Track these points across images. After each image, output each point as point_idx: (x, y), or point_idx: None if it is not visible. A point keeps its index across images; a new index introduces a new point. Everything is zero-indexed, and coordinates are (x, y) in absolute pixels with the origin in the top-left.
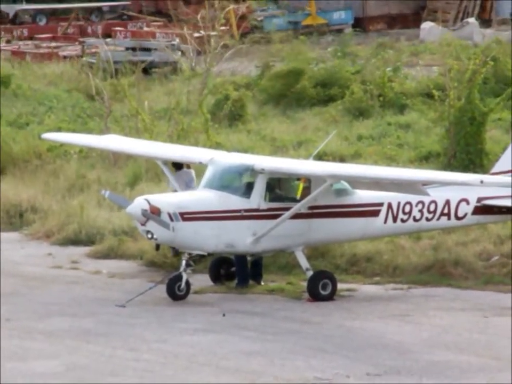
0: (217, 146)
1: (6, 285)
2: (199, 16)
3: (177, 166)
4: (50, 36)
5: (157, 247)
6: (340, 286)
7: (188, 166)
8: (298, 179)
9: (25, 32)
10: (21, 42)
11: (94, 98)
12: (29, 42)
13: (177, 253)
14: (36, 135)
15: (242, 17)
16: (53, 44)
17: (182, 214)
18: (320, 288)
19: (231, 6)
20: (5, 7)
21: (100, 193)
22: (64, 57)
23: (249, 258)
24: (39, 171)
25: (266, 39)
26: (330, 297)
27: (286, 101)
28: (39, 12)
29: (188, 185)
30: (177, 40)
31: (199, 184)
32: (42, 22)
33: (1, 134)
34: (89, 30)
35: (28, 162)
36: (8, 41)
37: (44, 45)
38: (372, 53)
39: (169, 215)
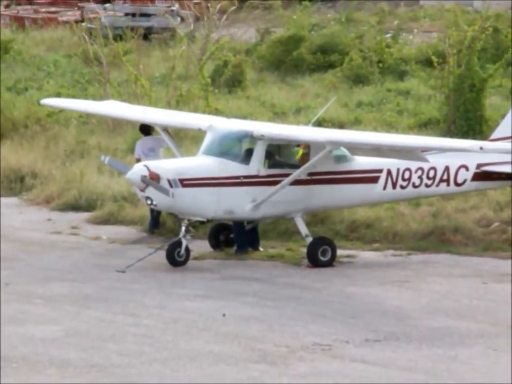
0: (217, 112)
1: (5, 250)
2: None
3: (145, 131)
4: (49, 1)
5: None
6: (339, 252)
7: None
8: (298, 145)
9: None
10: (19, 7)
11: (96, 63)
12: (28, 7)
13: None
14: (35, 100)
15: None
16: (52, 9)
17: (181, 180)
18: (320, 254)
19: None
20: None
21: (99, 159)
22: (64, 22)
23: (246, 225)
24: (38, 136)
25: (265, 5)
26: (329, 264)
27: (285, 67)
28: None
29: (145, 153)
30: (177, 5)
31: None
32: None
33: (1, 99)
34: None
35: (27, 128)
36: (7, 6)
37: (43, 9)
38: (373, 18)
39: (169, 181)
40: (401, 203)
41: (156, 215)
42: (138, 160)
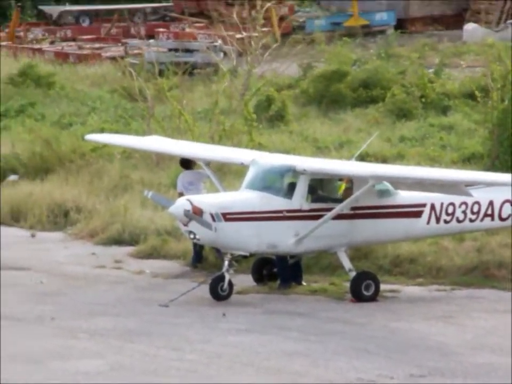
0: (260, 147)
1: (50, 285)
2: (237, 16)
3: (185, 165)
4: (93, 37)
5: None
6: (383, 287)
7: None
8: (341, 180)
9: (69, 33)
10: (64, 43)
11: (137, 99)
12: (72, 43)
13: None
14: (79, 135)
15: (284, 18)
16: (96, 45)
17: (224, 215)
18: (363, 289)
19: (271, 4)
20: (49, 9)
21: (143, 193)
22: (107, 58)
23: (289, 259)
24: (83, 171)
25: (308, 40)
26: (373, 298)
27: (327, 102)
28: (82, 13)
29: (185, 187)
30: (219, 41)
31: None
32: (86, 23)
33: (45, 135)
34: (132, 31)
35: (72, 163)
36: (52, 42)
37: (87, 46)
38: (414, 54)
39: (212, 215)
40: (445, 238)
41: (198, 250)
42: (180, 194)
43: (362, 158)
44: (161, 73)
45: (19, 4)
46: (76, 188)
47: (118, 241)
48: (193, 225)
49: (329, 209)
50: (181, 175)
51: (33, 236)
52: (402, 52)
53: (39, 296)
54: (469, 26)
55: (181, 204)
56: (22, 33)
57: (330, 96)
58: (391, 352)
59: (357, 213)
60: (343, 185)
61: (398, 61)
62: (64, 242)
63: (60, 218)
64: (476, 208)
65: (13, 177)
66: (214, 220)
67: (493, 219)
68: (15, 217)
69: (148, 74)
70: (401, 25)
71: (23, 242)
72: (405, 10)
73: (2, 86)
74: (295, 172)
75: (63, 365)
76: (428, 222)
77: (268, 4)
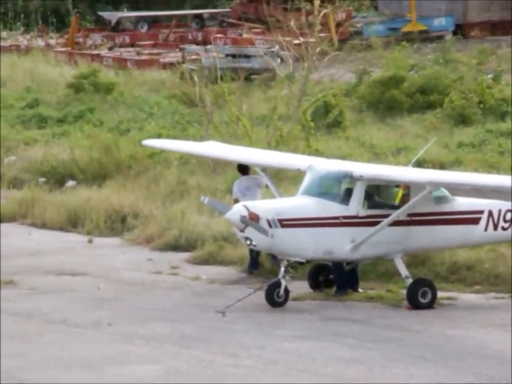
0: (316, 153)
1: (107, 290)
2: (295, 22)
3: (242, 170)
4: (151, 43)
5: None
6: (439, 294)
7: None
8: (398, 186)
9: (127, 39)
10: (122, 49)
11: (195, 104)
12: (131, 49)
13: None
14: (137, 141)
15: (341, 24)
16: (154, 51)
17: (280, 221)
18: (420, 296)
19: (329, 10)
20: (108, 15)
21: (199, 199)
22: (165, 64)
23: (345, 266)
24: (140, 177)
25: (365, 46)
26: (430, 305)
27: (384, 108)
28: (140, 19)
29: (242, 192)
30: (277, 47)
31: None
32: (144, 29)
33: (104, 140)
34: (189, 36)
35: (129, 168)
36: (110, 48)
37: (145, 51)
38: (472, 60)
39: (268, 221)
40: (502, 244)
41: (255, 256)
42: (236, 200)
43: (420, 164)
44: (218, 79)
45: (78, 10)
46: (133, 193)
47: (174, 247)
48: (250, 231)
49: (386, 216)
50: (237, 181)
51: (90, 241)
52: (461, 57)
53: (96, 302)
54: None
55: (237, 210)
56: (81, 39)
57: (387, 101)
58: (448, 359)
59: (414, 220)
60: (400, 192)
61: (456, 67)
62: (121, 248)
63: (117, 224)
64: None
65: (71, 183)
66: (270, 226)
67: None
68: (73, 223)
69: (205, 79)
70: (459, 30)
71: (80, 248)
72: (463, 15)
73: (62, 92)
74: (351, 178)
75: (120, 370)
76: (486, 229)
77: (325, 10)
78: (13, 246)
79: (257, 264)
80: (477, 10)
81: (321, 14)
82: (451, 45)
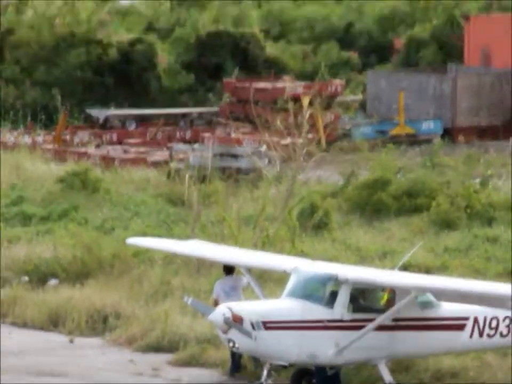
0: (302, 254)
1: None
2: (282, 122)
3: (228, 270)
4: (139, 141)
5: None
6: None
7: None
8: (383, 290)
9: (115, 136)
10: (110, 147)
11: (182, 203)
12: (118, 147)
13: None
14: (122, 239)
15: (330, 125)
16: (142, 149)
17: (264, 323)
18: None
19: (317, 111)
20: (96, 112)
21: (182, 299)
22: (152, 162)
23: (328, 370)
24: (123, 276)
25: (353, 148)
26: None
27: (371, 210)
28: (128, 117)
29: (231, 291)
30: (264, 146)
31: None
32: (132, 127)
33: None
34: (177, 135)
35: (112, 267)
36: (97, 146)
37: (133, 149)
38: (460, 164)
39: (252, 323)
40: (488, 352)
41: (237, 358)
42: (216, 300)
43: (405, 268)
44: (205, 178)
45: (66, 107)
46: (116, 293)
47: (156, 348)
48: (233, 333)
49: (370, 320)
50: (220, 280)
51: (71, 341)
52: (448, 161)
53: None
54: None
55: (221, 311)
56: (68, 136)
57: (374, 204)
58: None
59: (399, 325)
60: (386, 296)
61: (443, 171)
62: (102, 349)
63: (99, 324)
64: None
65: (53, 282)
66: (254, 328)
67: None
68: (54, 322)
69: (193, 178)
70: (448, 134)
71: (61, 348)
72: (452, 119)
73: (48, 189)
74: (337, 281)
75: None
76: (471, 336)
77: (317, 112)
78: None
79: (239, 366)
80: (465, 115)
81: (308, 114)
82: (438, 148)
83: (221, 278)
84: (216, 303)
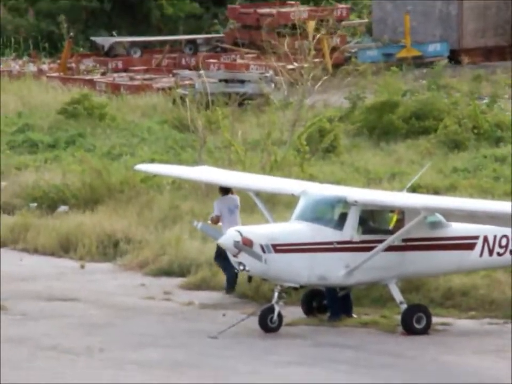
0: (310, 178)
1: (99, 316)
2: (289, 47)
3: (224, 190)
4: (144, 68)
5: (249, 279)
6: (434, 320)
7: (232, 192)
8: (392, 211)
9: (120, 64)
10: (115, 75)
11: (188, 129)
12: (124, 74)
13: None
14: (129, 166)
15: (336, 49)
16: (147, 76)
17: (274, 246)
18: (415, 321)
19: (323, 35)
20: (101, 40)
21: (192, 224)
22: (158, 89)
23: (339, 291)
24: (132, 202)
25: (360, 71)
26: (424, 331)
27: (379, 133)
28: (133, 44)
29: (231, 210)
30: (271, 72)
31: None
32: (137, 54)
33: (96, 165)
34: (183, 62)
35: (122, 193)
36: (103, 73)
37: (138, 77)
38: (467, 85)
39: (262, 246)
40: (498, 270)
41: (232, 276)
42: (217, 217)
43: (414, 189)
44: (211, 104)
45: (71, 35)
46: (126, 218)
47: (167, 272)
48: (243, 257)
49: (380, 241)
50: (220, 200)
51: (82, 266)
52: (455, 83)
53: (87, 328)
54: None
55: (230, 235)
56: (73, 65)
57: (381, 126)
58: None
59: (408, 245)
60: (395, 217)
61: (450, 92)
62: (114, 273)
63: (110, 249)
64: None
65: (63, 208)
66: (264, 251)
67: None
68: (65, 248)
69: (198, 104)
70: (454, 56)
71: (72, 273)
72: (458, 41)
73: (56, 117)
74: (345, 203)
75: None
76: (481, 255)
77: (323, 36)
78: (4, 272)
79: (235, 283)
80: (471, 36)
81: (316, 39)
82: (441, 69)
83: (219, 198)
84: (217, 220)
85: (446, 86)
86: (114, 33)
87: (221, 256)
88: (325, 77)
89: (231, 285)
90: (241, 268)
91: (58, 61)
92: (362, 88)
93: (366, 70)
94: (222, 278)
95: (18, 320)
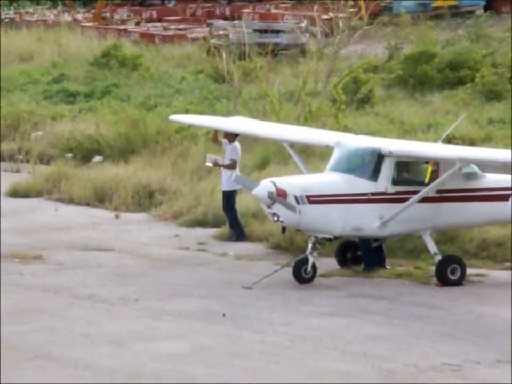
0: (345, 129)
1: (134, 266)
2: None
3: (235, 136)
4: (178, 18)
5: (283, 229)
6: (469, 271)
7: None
8: (427, 162)
9: (154, 14)
10: (149, 25)
11: (223, 80)
12: (158, 24)
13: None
14: (164, 117)
15: None
16: (181, 26)
17: (308, 197)
18: (449, 273)
19: None
20: None
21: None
22: (192, 39)
23: (372, 243)
24: (167, 153)
25: (395, 22)
26: (459, 282)
27: (414, 84)
28: None
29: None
30: (306, 22)
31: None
32: (171, 4)
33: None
34: (217, 12)
35: (156, 144)
36: (137, 23)
37: (172, 27)
38: (504, 35)
39: (296, 197)
40: None
41: (237, 224)
42: (235, 162)
43: (449, 140)
44: (245, 54)
45: None
46: (161, 169)
47: (201, 223)
48: (277, 208)
49: (414, 192)
50: (235, 145)
51: (117, 217)
52: (492, 32)
53: (122, 278)
54: None
55: (264, 186)
56: (108, 14)
57: (417, 77)
58: (477, 337)
59: (443, 196)
60: (429, 168)
61: (488, 42)
62: (148, 224)
63: (144, 199)
64: None
65: (98, 159)
66: (298, 202)
67: None
68: (100, 199)
69: (232, 55)
70: (491, 5)
71: (107, 223)
72: None
73: (88, 68)
74: (380, 154)
75: (146, 346)
76: None
77: None
78: (40, 222)
79: (243, 230)
80: None
81: None
82: (483, 20)
83: (233, 142)
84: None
85: (483, 36)
86: None
87: (230, 208)
88: (365, 28)
89: (239, 237)
90: (275, 218)
91: (93, 11)
92: (401, 39)
93: (404, 20)
94: (256, 228)
95: (54, 269)
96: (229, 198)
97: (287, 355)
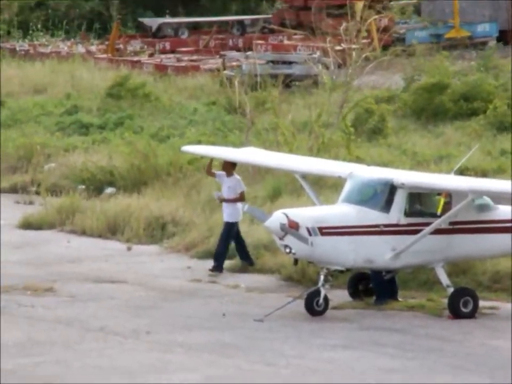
0: (357, 160)
1: (145, 298)
2: (341, 29)
3: (234, 166)
4: (191, 49)
5: (295, 261)
6: (481, 303)
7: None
8: (439, 194)
9: (168, 45)
10: (163, 56)
11: (236, 111)
12: (171, 55)
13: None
14: (177, 148)
15: (384, 30)
16: (194, 57)
17: (320, 229)
18: (462, 305)
19: (373, 18)
20: (148, 21)
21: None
22: (205, 70)
23: (385, 275)
24: (180, 184)
25: (408, 52)
26: (471, 315)
27: (427, 115)
28: (181, 25)
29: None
30: (318, 53)
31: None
32: (184, 35)
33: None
34: (230, 43)
35: (169, 175)
36: (151, 55)
37: (186, 58)
38: None
39: (308, 229)
40: None
41: (242, 250)
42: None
43: (462, 172)
44: (258, 85)
45: (119, 16)
46: (173, 200)
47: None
48: (289, 239)
49: (427, 224)
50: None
51: (129, 249)
52: (505, 64)
53: (134, 310)
54: None
55: (277, 218)
56: (121, 46)
57: (430, 109)
58: (490, 370)
59: (456, 228)
60: (442, 200)
61: (499, 74)
62: (160, 256)
63: (157, 231)
64: None
65: (110, 190)
66: (310, 234)
67: None
68: (112, 230)
69: (245, 86)
70: (504, 37)
71: (119, 255)
72: (508, 22)
73: (102, 99)
74: (392, 186)
75: (158, 378)
76: None
77: (372, 18)
78: (52, 254)
79: (249, 256)
80: None
81: (367, 22)
82: (493, 52)
83: (234, 175)
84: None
85: (495, 67)
86: (167, 12)
87: (227, 238)
88: (379, 59)
89: (218, 268)
90: (287, 250)
91: (107, 42)
92: (417, 70)
93: (418, 51)
94: (268, 260)
95: (66, 301)
96: (231, 229)
97: None
